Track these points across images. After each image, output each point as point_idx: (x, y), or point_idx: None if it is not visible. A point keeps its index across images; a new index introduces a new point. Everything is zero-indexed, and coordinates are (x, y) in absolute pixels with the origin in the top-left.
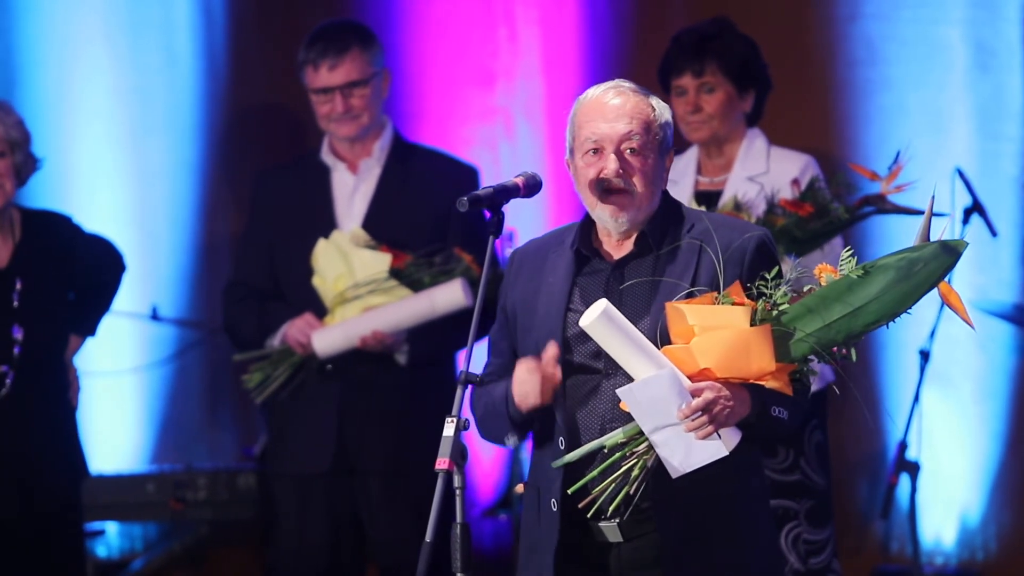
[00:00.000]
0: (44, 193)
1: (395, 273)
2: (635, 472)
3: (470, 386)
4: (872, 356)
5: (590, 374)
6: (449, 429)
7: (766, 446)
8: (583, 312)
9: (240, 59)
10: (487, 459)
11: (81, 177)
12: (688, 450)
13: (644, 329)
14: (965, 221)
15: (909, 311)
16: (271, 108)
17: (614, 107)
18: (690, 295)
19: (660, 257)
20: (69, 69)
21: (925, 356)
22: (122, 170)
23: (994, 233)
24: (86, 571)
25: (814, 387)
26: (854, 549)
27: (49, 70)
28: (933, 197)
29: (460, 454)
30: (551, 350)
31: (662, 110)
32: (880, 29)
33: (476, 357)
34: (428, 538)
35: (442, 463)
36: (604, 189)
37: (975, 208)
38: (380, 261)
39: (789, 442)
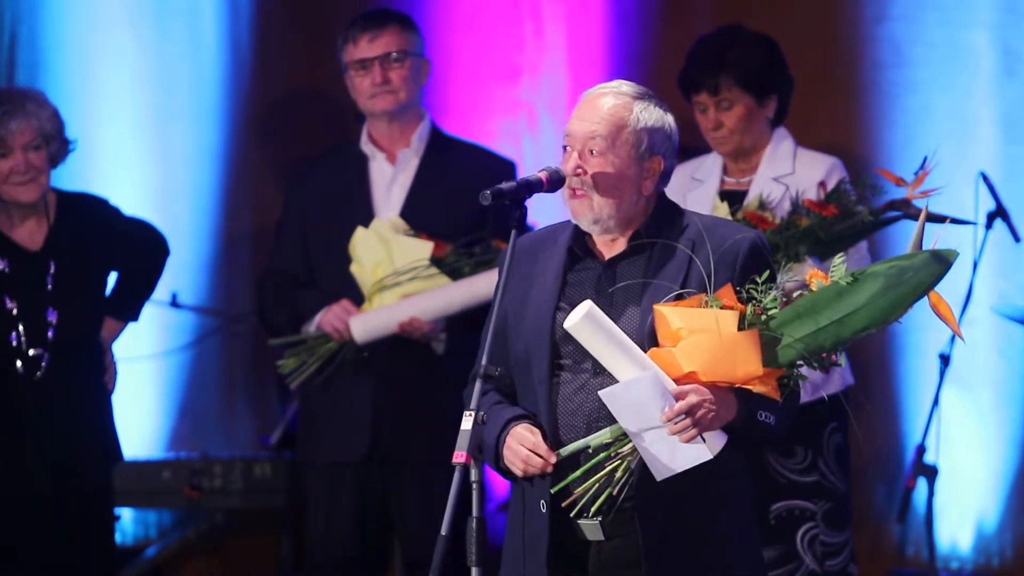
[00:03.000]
0: (66, 178)
1: (436, 262)
2: (619, 473)
3: (488, 379)
4: (891, 360)
5: (577, 373)
6: (467, 423)
7: (757, 449)
8: (571, 311)
9: (265, 48)
10: None
11: (103, 163)
12: (672, 453)
13: (632, 330)
14: (988, 226)
15: (900, 320)
16: (295, 97)
17: (590, 107)
18: (679, 297)
19: (652, 258)
20: (93, 54)
21: (945, 360)
22: (145, 156)
23: (1017, 239)
24: (114, 554)
25: (834, 388)
26: (870, 552)
27: (73, 55)
28: (927, 206)
29: (477, 448)
30: (551, 460)
31: (646, 115)
32: (906, 31)
33: None
34: (444, 531)
35: (459, 456)
36: (569, 185)
37: (999, 213)
38: (421, 249)
39: (807, 443)
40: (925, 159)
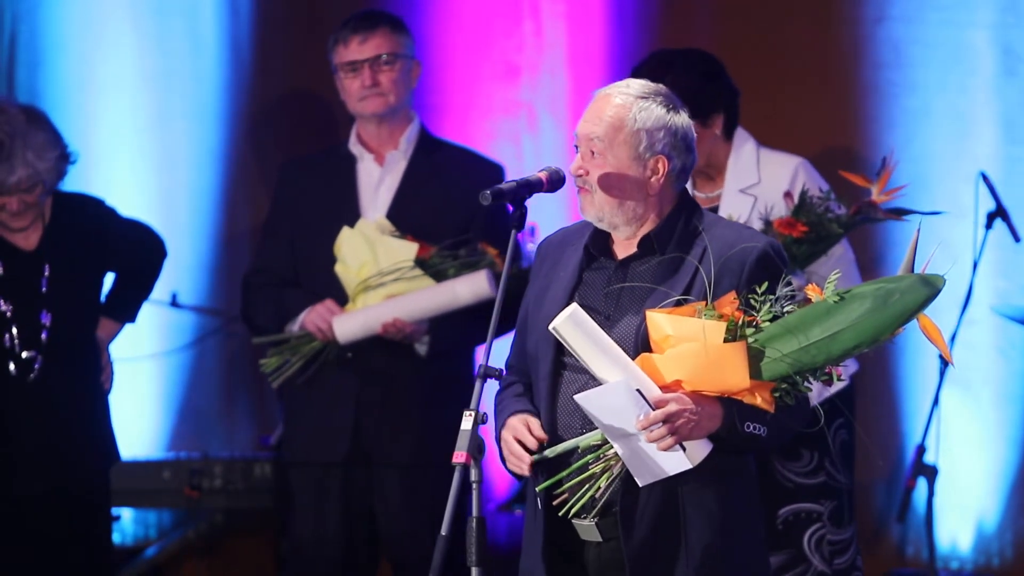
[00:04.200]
0: (66, 178)
1: (420, 263)
2: (603, 476)
3: (488, 379)
4: (892, 360)
5: (579, 373)
6: (467, 423)
7: (775, 456)
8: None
9: (264, 48)
10: None
11: (103, 163)
12: (652, 460)
13: (631, 332)
14: (988, 226)
15: (892, 341)
16: (294, 97)
17: (594, 109)
18: (679, 303)
19: (663, 260)
20: (93, 54)
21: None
22: (144, 156)
23: (1017, 238)
24: (113, 555)
25: (840, 385)
26: (870, 552)
27: (73, 55)
28: (919, 230)
29: (477, 448)
30: (533, 447)
31: (646, 115)
32: (906, 31)
33: (495, 351)
34: (444, 531)
35: (459, 456)
36: (576, 185)
37: (998, 213)
38: (406, 250)
39: (813, 444)
40: (884, 159)
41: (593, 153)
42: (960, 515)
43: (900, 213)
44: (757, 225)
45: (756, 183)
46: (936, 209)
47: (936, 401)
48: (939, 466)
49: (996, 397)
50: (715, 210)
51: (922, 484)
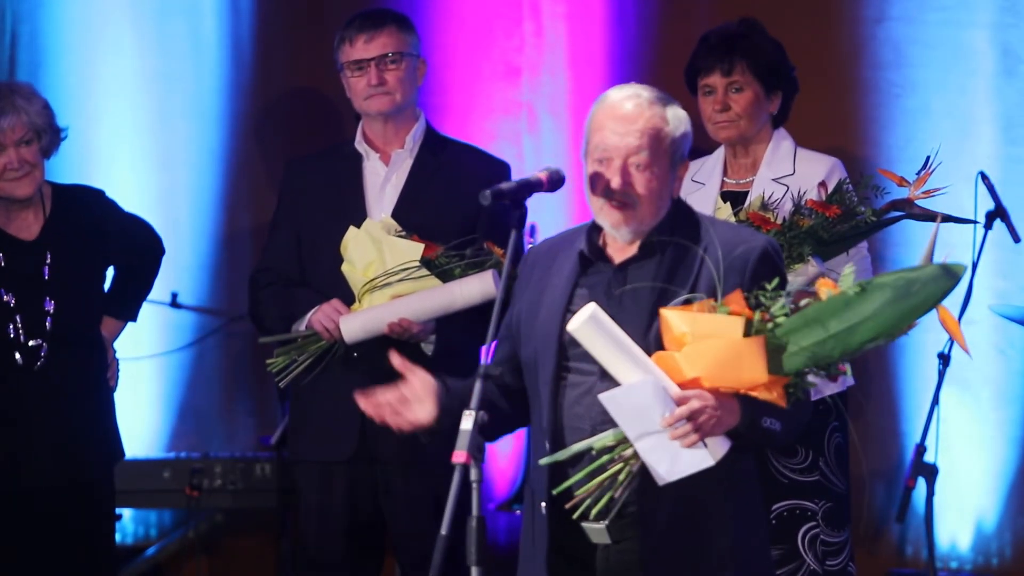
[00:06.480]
0: (66, 177)
1: (426, 263)
2: (621, 476)
3: (488, 379)
4: (891, 359)
5: (584, 376)
6: (467, 422)
7: (771, 451)
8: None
9: (265, 48)
10: (503, 453)
11: (103, 162)
12: (674, 458)
13: (639, 334)
14: (988, 226)
15: (907, 333)
16: (296, 97)
17: (626, 118)
18: (688, 301)
19: (663, 262)
20: (94, 54)
21: (944, 360)
22: (145, 156)
23: (1016, 239)
24: (115, 553)
25: (835, 389)
26: (869, 552)
27: (74, 55)
28: (939, 221)
29: (477, 447)
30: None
31: (677, 122)
32: (906, 32)
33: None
34: (444, 531)
35: (459, 456)
36: (607, 198)
37: (998, 213)
38: (412, 250)
39: (808, 442)
40: (928, 159)
41: (637, 167)
42: (959, 515)
43: (936, 217)
44: (787, 208)
45: (791, 174)
46: (934, 209)
47: (936, 401)
48: (939, 466)
49: (996, 397)
50: (744, 197)
51: (922, 484)
